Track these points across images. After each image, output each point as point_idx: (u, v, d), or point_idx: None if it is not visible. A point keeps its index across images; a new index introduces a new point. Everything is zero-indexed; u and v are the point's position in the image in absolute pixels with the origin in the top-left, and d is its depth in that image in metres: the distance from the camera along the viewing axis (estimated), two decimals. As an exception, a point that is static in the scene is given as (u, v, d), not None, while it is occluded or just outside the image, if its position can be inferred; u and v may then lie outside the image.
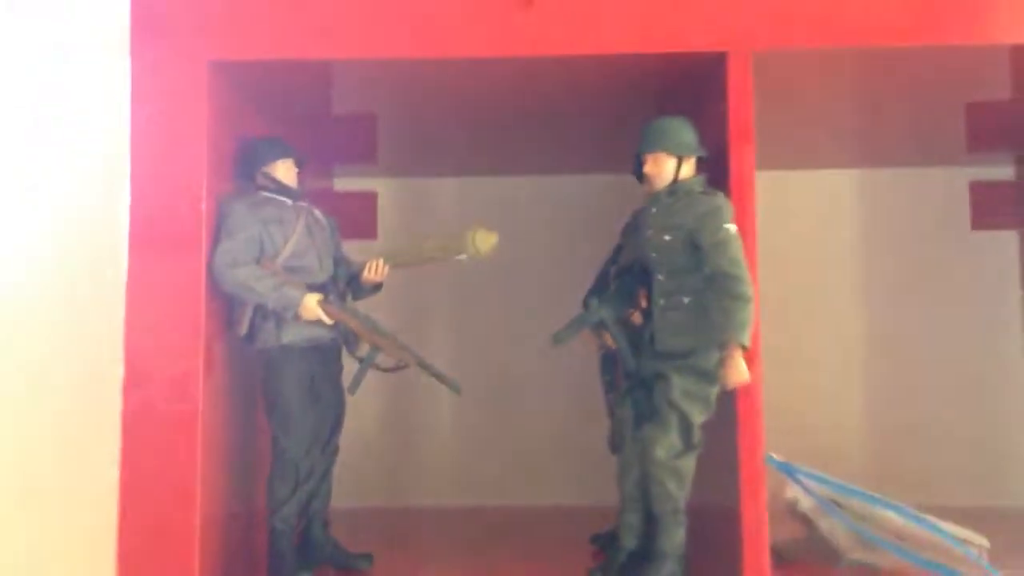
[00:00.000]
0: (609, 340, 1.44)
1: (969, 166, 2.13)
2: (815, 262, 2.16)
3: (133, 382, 1.34)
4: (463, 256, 1.44)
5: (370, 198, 2.16)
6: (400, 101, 1.66)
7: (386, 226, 2.16)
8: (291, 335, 1.41)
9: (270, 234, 1.42)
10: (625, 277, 1.46)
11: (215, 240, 1.39)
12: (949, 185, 2.15)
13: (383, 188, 2.17)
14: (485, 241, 1.43)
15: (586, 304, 1.46)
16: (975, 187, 2.15)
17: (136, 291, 1.35)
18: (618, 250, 1.56)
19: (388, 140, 1.92)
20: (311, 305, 1.40)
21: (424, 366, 1.46)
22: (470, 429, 2.14)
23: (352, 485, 1.91)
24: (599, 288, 1.54)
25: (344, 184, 2.14)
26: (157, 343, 1.34)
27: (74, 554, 1.81)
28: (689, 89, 1.50)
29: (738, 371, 1.29)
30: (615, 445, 1.48)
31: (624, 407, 1.42)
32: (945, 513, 1.51)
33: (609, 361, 1.54)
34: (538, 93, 1.58)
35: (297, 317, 1.40)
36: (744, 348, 1.29)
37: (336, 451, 1.52)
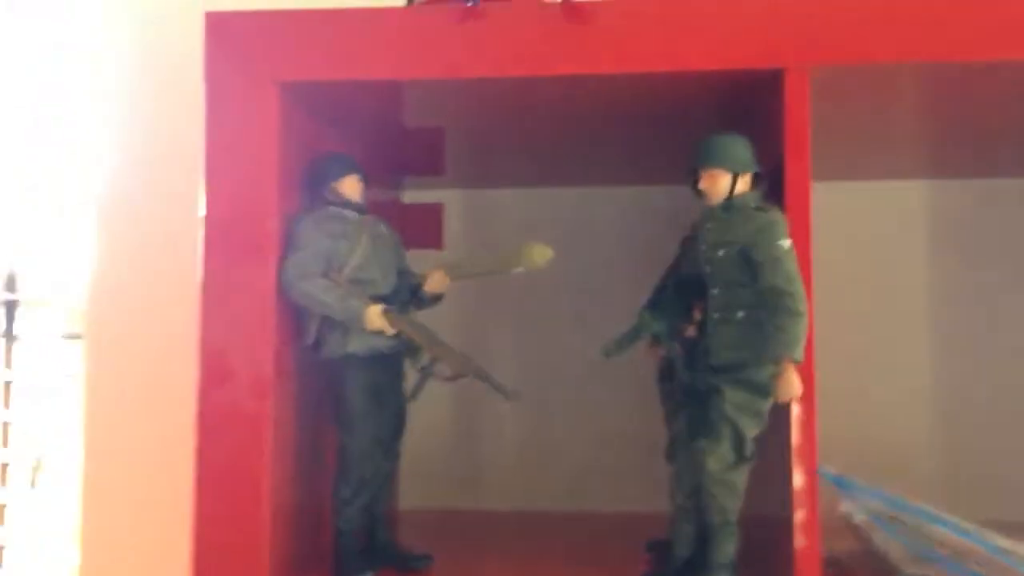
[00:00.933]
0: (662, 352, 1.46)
1: (1040, 177, 2.09)
2: (885, 272, 2.14)
3: (209, 386, 1.40)
4: (520, 269, 1.48)
5: (436, 210, 2.19)
6: (467, 115, 1.70)
7: (452, 236, 2.19)
8: (355, 345, 1.47)
9: (336, 248, 1.47)
10: (681, 290, 1.47)
11: (285, 254, 1.45)
12: (1019, 196, 2.11)
13: (450, 199, 2.21)
14: (541, 255, 1.47)
15: (639, 316, 1.48)
16: (1047, 198, 2.11)
17: (211, 301, 1.41)
18: (676, 263, 1.56)
19: (455, 152, 1.95)
20: (374, 316, 1.45)
21: (481, 375, 1.50)
22: (532, 437, 2.17)
23: (420, 488, 1.97)
24: (657, 300, 1.54)
25: (412, 196, 2.19)
26: (231, 351, 1.40)
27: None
28: (748, 104, 1.51)
29: (791, 385, 1.30)
30: (671, 455, 1.49)
31: (678, 419, 1.43)
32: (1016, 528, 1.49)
33: (667, 372, 1.54)
34: (599, 108, 1.60)
35: (361, 327, 1.45)
36: (796, 362, 1.30)
37: (398, 456, 1.57)
